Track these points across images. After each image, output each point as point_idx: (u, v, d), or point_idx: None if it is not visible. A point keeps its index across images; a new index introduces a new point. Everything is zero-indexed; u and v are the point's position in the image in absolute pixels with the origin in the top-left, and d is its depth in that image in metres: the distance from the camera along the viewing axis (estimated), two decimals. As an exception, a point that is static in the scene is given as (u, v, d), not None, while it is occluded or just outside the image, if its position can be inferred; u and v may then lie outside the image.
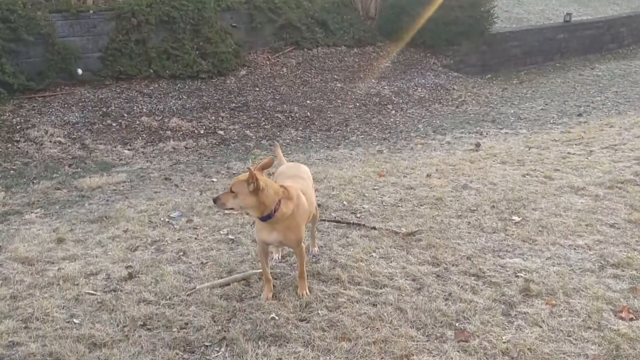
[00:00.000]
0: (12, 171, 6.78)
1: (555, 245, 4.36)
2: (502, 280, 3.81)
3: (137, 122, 8.64)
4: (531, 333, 3.21)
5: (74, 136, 7.99)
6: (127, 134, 8.31)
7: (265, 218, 3.39)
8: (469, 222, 4.86)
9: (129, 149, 7.85)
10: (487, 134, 8.63)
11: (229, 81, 10.37)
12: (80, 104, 8.81)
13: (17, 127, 7.94)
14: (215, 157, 7.67)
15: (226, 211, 4.76)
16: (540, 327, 3.27)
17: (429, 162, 6.92)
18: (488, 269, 3.97)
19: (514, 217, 4.93)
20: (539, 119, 9.65)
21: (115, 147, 7.86)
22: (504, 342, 3.12)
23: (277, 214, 3.38)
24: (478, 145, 7.70)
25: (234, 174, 6.74)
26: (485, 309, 3.46)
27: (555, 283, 3.74)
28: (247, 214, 3.57)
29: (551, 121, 9.39)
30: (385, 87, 11.32)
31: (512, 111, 10.35)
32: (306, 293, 3.65)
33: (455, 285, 3.76)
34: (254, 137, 8.57)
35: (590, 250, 4.25)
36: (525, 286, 3.70)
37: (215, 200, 3.35)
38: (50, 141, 7.73)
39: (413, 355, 3.04)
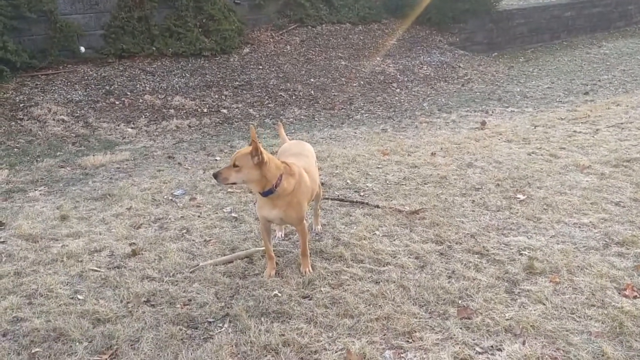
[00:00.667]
0: (15, 149, 6.77)
1: (560, 223, 4.33)
2: (506, 258, 3.79)
3: (140, 101, 8.60)
4: (534, 310, 3.19)
5: (77, 114, 7.96)
6: (130, 112, 8.27)
7: (266, 193, 3.37)
8: (474, 201, 4.82)
9: (132, 127, 7.82)
10: (492, 112, 8.55)
11: (232, 59, 10.27)
12: (83, 82, 8.76)
13: (20, 105, 7.91)
14: (219, 135, 7.63)
15: (227, 187, 4.74)
16: (544, 304, 3.24)
17: (433, 140, 6.87)
18: (492, 247, 3.95)
19: (518, 196, 4.88)
20: (545, 97, 9.54)
21: (118, 125, 7.82)
22: (506, 319, 3.10)
23: (278, 189, 3.35)
24: (483, 123, 7.64)
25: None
26: (488, 286, 3.44)
27: (559, 261, 3.71)
28: (249, 189, 3.54)
29: (557, 99, 9.27)
30: (390, 65, 11.20)
31: (518, 89, 10.23)
32: (309, 270, 3.65)
33: (459, 263, 3.73)
34: (257, 116, 8.51)
35: (595, 228, 4.22)
36: (529, 264, 3.67)
37: (216, 176, 3.27)
38: (54, 119, 7.70)
39: (415, 331, 3.03)
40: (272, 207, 3.45)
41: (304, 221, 3.60)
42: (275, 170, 3.34)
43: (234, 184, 3.35)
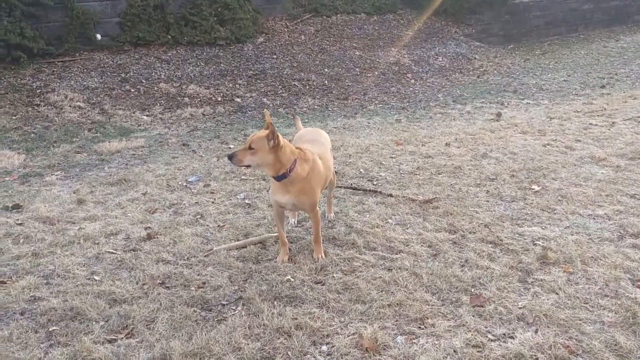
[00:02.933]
0: (32, 134, 6.86)
1: (575, 214, 4.31)
2: (520, 248, 3.78)
3: (156, 89, 8.65)
4: (547, 299, 3.18)
5: (93, 101, 8.03)
6: (145, 100, 8.33)
7: (280, 178, 3.37)
8: (488, 191, 4.82)
9: (147, 115, 7.88)
10: (508, 104, 8.52)
11: (247, 48, 10.28)
12: (99, 69, 8.83)
13: (37, 91, 8.00)
14: (232, 124, 7.66)
15: (241, 169, 4.75)
16: (557, 294, 3.24)
17: (448, 131, 6.86)
18: (506, 237, 3.94)
19: (533, 186, 4.87)
20: (561, 90, 9.46)
21: (134, 112, 7.88)
22: (519, 308, 3.10)
23: (292, 174, 3.36)
24: (499, 115, 7.62)
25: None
26: (501, 275, 3.44)
27: (573, 251, 3.70)
28: (262, 172, 3.55)
29: (573, 92, 9.20)
30: (405, 56, 11.16)
31: (534, 82, 10.15)
32: (322, 257, 3.67)
33: (472, 252, 3.74)
34: (271, 105, 8.53)
35: (609, 220, 4.19)
36: (543, 254, 3.66)
37: (231, 157, 3.27)
38: (70, 106, 7.78)
39: (427, 318, 3.05)
40: (285, 192, 3.45)
41: (317, 208, 3.61)
42: (290, 155, 3.36)
43: (248, 166, 3.34)
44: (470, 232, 4.04)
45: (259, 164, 3.32)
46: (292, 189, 3.43)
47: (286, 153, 3.34)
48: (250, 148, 3.27)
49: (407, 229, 4.13)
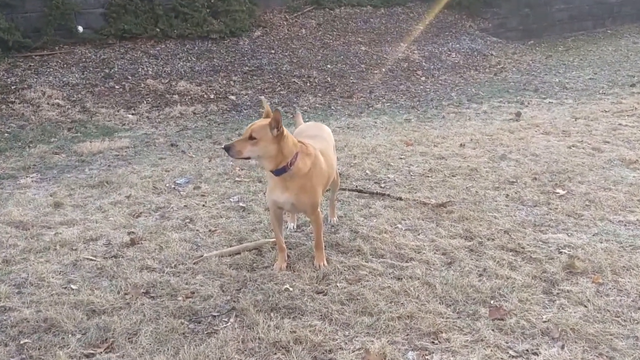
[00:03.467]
0: (6, 134, 6.85)
1: (604, 220, 4.27)
2: (544, 257, 3.74)
3: (142, 85, 8.66)
4: (575, 312, 3.14)
5: (74, 98, 8.03)
6: (131, 98, 8.33)
7: (279, 172, 3.34)
8: (507, 195, 4.79)
9: (132, 114, 7.88)
10: (528, 103, 8.52)
11: (242, 42, 10.31)
12: (80, 64, 8.84)
13: (12, 87, 8.00)
14: (226, 123, 7.66)
15: (236, 169, 4.70)
16: (585, 306, 3.19)
17: (462, 131, 6.87)
18: (528, 244, 3.91)
19: (558, 190, 4.84)
20: (587, 88, 9.47)
21: (118, 111, 7.88)
22: (544, 322, 3.06)
23: (293, 168, 3.33)
24: (518, 114, 7.62)
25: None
26: (524, 286, 3.40)
27: (603, 260, 3.66)
28: (261, 165, 3.50)
29: (601, 91, 9.21)
30: (415, 52, 11.18)
31: (557, 80, 10.17)
32: (324, 264, 3.63)
33: (491, 261, 3.70)
34: (268, 103, 8.49)
35: (643, 226, 4.16)
36: (569, 263, 3.62)
37: (228, 148, 3.23)
38: (48, 103, 7.78)
39: (442, 332, 3.00)
40: (284, 190, 3.41)
41: (319, 210, 3.57)
42: (292, 147, 3.33)
43: (248, 158, 3.31)
44: (488, 239, 4.01)
45: (259, 156, 3.27)
46: (292, 185, 3.39)
47: (289, 144, 3.31)
48: (251, 138, 3.23)
49: (419, 234, 4.10)
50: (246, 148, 3.24)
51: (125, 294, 3.37)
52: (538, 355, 2.81)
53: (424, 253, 3.81)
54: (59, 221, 4.41)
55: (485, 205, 4.59)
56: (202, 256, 3.78)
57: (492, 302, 3.25)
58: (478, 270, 3.59)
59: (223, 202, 4.73)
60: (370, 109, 8.47)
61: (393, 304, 3.24)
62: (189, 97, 8.52)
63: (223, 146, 3.36)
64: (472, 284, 3.42)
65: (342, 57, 10.52)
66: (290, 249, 3.86)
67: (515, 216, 4.38)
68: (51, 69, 8.58)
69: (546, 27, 14.06)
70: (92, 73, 8.70)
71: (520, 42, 13.10)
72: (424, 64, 10.80)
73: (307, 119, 7.70)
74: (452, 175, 5.29)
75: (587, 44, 13.50)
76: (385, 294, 3.33)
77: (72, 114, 7.62)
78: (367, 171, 5.45)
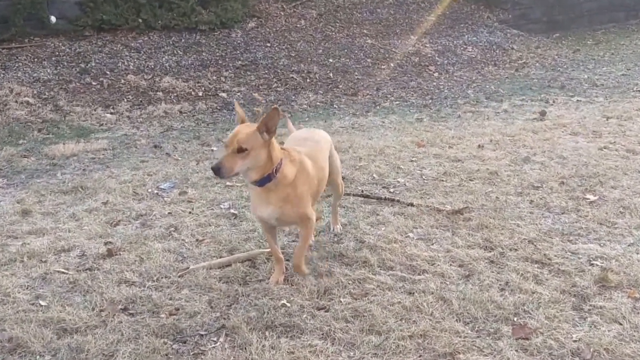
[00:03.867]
0: (-30, 135, 6.86)
1: (640, 229, 4.27)
2: (573, 269, 3.72)
3: (122, 81, 8.70)
4: (609, 331, 3.11)
5: (46, 96, 8.06)
6: (109, 95, 8.36)
7: (264, 181, 3.29)
8: (532, 201, 4.80)
9: (111, 113, 7.90)
10: (554, 101, 8.58)
11: (235, 35, 10.36)
12: (53, 59, 8.88)
13: (-23, 83, 8.03)
14: (216, 123, 7.69)
15: (228, 182, 4.68)
16: (620, 324, 3.17)
17: (480, 131, 6.91)
18: (555, 255, 3.90)
19: (588, 196, 4.85)
20: (620, 85, 9.54)
21: (95, 109, 7.91)
22: (574, 341, 3.03)
23: (278, 176, 3.30)
24: (543, 113, 7.68)
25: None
26: (551, 301, 3.38)
27: (640, 273, 3.64)
28: (248, 177, 3.32)
29: (635, 89, 9.27)
30: (427, 45, 11.26)
31: (585, 76, 10.23)
32: (303, 271, 3.62)
33: (514, 273, 3.68)
34: (263, 101, 8.56)
35: (685, 236, 4.14)
36: (601, 276, 3.60)
37: (218, 170, 3.13)
38: (17, 101, 7.82)
39: (459, 353, 2.97)
40: (267, 203, 3.38)
41: (311, 217, 3.52)
42: (278, 151, 3.33)
43: (238, 174, 3.25)
44: (510, 249, 4.00)
45: (250, 168, 3.22)
46: (276, 196, 3.36)
47: (276, 147, 3.31)
48: (240, 150, 3.14)
49: (432, 244, 4.10)
50: (237, 163, 3.15)
51: (101, 310, 3.34)
52: (568, 379, 2.79)
53: (438, 265, 3.80)
54: (26, 230, 4.40)
55: (507, 212, 4.59)
56: (188, 268, 3.76)
57: (515, 319, 3.24)
58: (499, 284, 3.58)
59: (212, 209, 4.73)
60: (378, 107, 8.51)
61: (404, 321, 3.22)
62: (175, 94, 8.55)
63: (210, 167, 3.24)
64: (493, 299, 3.40)
65: (345, 50, 10.56)
66: (287, 259, 3.83)
67: (540, 224, 4.38)
68: (20, 64, 8.62)
69: (573, 18, 14.12)
70: (66, 68, 8.74)
71: (544, 35, 13.17)
72: (437, 58, 10.86)
73: (306, 119, 7.75)
74: (470, 179, 5.31)
75: (619, 37, 13.57)
76: (395, 310, 3.31)
77: (43, 113, 7.64)
78: (374, 175, 5.46)
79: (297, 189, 3.39)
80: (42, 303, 3.42)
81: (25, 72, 8.46)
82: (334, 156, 4.00)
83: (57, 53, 9.01)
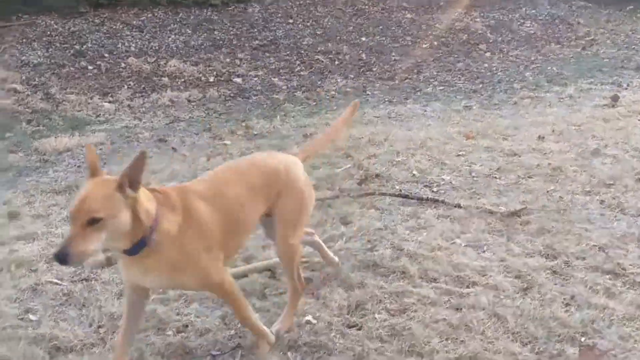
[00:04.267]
0: (-50, 127, 7.01)
1: None
2: (652, 281, 3.71)
3: (123, 65, 8.80)
4: (693, 353, 3.09)
5: (35, 82, 8.19)
6: (107, 81, 8.46)
7: (137, 248, 2.69)
8: (602, 201, 4.79)
9: (110, 101, 7.99)
10: (628, 85, 8.55)
11: (252, 10, 10.42)
12: (44, 39, 9.02)
13: (-42, 68, 8.19)
14: (230, 113, 7.74)
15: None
16: None
17: (541, 120, 6.89)
18: (631, 265, 3.88)
19: (669, 195, 4.81)
20: None
21: (91, 98, 8.01)
22: (655, 365, 3.02)
23: (156, 236, 2.70)
24: (615, 99, 7.66)
25: (255, 134, 6.77)
26: (626, 318, 3.37)
27: None
28: (112, 250, 2.91)
29: None
30: (477, 20, 11.25)
31: (665, 55, 10.14)
32: (268, 342, 3.15)
33: (581, 286, 3.67)
34: (284, 88, 8.60)
35: None
36: (686, 289, 3.57)
37: (63, 257, 2.44)
38: (2, 88, 7.94)
39: (516, 378, 2.97)
40: (147, 270, 2.78)
41: (222, 282, 2.97)
42: (149, 204, 2.70)
43: (95, 251, 2.60)
44: (577, 258, 3.99)
45: (112, 240, 2.59)
46: (158, 261, 2.76)
47: (144, 200, 2.68)
48: (91, 222, 2.47)
49: (484, 252, 4.09)
50: (91, 242, 2.48)
51: (99, 327, 3.39)
52: (646, 410, 2.77)
53: (491, 276, 3.80)
54: (14, 235, 4.45)
55: (572, 214, 4.58)
56: (198, 279, 3.73)
57: (583, 339, 3.23)
58: (564, 299, 3.57)
59: (225, 212, 4.75)
60: (418, 93, 8.52)
61: (450, 341, 3.22)
62: (182, 80, 8.63)
63: (52, 255, 2.62)
64: (556, 316, 3.40)
65: (380, 27, 10.59)
66: (313, 270, 3.86)
67: (613, 228, 4.36)
68: (7, 45, 8.75)
69: (652, -14, 13.93)
70: (59, 50, 8.86)
71: (616, 7, 13.04)
72: (488, 35, 10.84)
73: (334, 107, 7.76)
74: (528, 176, 5.30)
75: None
76: (439, 329, 3.31)
77: (32, 102, 7.75)
78: (415, 171, 5.47)
79: (186, 246, 2.81)
80: (33, 318, 3.47)
81: (12, 54, 8.60)
82: (293, 196, 3.28)
83: (48, 33, 9.15)
